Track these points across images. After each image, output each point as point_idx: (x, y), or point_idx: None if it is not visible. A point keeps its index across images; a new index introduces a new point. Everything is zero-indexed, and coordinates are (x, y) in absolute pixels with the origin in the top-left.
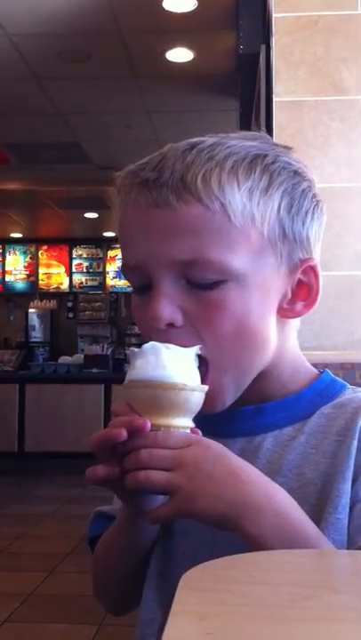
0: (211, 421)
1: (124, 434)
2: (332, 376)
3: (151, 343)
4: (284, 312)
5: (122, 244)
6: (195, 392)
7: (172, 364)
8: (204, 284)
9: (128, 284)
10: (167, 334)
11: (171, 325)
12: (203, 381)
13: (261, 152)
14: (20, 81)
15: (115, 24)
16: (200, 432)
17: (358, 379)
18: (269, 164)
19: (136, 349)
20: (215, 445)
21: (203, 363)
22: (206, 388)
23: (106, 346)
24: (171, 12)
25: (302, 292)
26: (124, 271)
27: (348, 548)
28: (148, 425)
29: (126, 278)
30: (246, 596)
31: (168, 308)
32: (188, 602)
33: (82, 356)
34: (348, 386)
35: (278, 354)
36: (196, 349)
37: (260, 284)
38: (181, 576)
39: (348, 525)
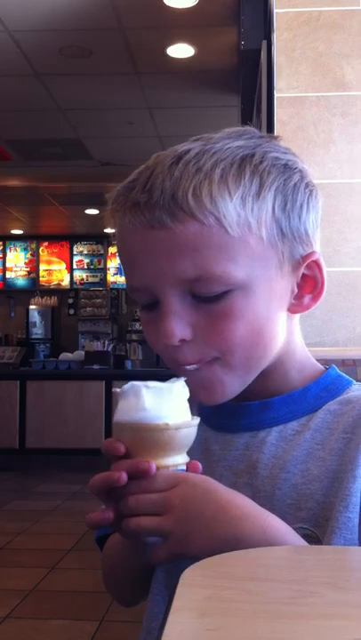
0: (217, 415)
1: (124, 477)
2: (339, 372)
3: (131, 383)
4: (294, 308)
5: (125, 266)
6: (180, 430)
7: (154, 404)
8: (211, 297)
9: None
10: (182, 349)
11: (183, 341)
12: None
13: (248, 152)
14: (22, 77)
15: (116, 20)
16: (200, 465)
17: (360, 375)
18: (258, 164)
19: (118, 389)
20: (202, 481)
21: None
22: (196, 421)
23: (107, 342)
24: (172, 8)
25: (308, 285)
26: (129, 291)
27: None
28: (154, 467)
29: (133, 297)
30: (247, 593)
31: (179, 326)
32: (189, 598)
33: (83, 352)
34: (355, 382)
35: (286, 349)
36: (181, 382)
37: (265, 286)
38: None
39: (360, 524)
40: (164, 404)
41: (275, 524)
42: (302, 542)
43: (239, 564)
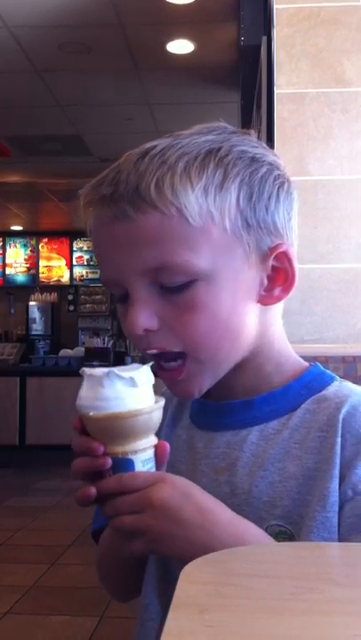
0: (201, 414)
1: (109, 462)
2: (322, 369)
3: (101, 370)
4: (263, 299)
5: (97, 259)
6: (153, 412)
7: (125, 391)
8: (175, 287)
9: None
10: (147, 339)
11: (148, 330)
12: (177, 372)
13: (215, 146)
14: (21, 73)
15: (115, 16)
16: (166, 444)
17: (360, 372)
18: (223, 157)
19: (88, 371)
20: (181, 482)
21: (180, 355)
22: (160, 404)
23: (107, 339)
24: (172, 4)
25: (279, 277)
26: (104, 285)
27: None
28: (109, 462)
29: (108, 289)
30: (247, 589)
31: (144, 315)
32: (189, 595)
33: (83, 348)
34: (338, 379)
35: (261, 342)
36: (145, 368)
37: (230, 277)
38: (178, 563)
39: (339, 525)
40: (136, 390)
41: (250, 529)
42: (277, 545)
43: (239, 561)
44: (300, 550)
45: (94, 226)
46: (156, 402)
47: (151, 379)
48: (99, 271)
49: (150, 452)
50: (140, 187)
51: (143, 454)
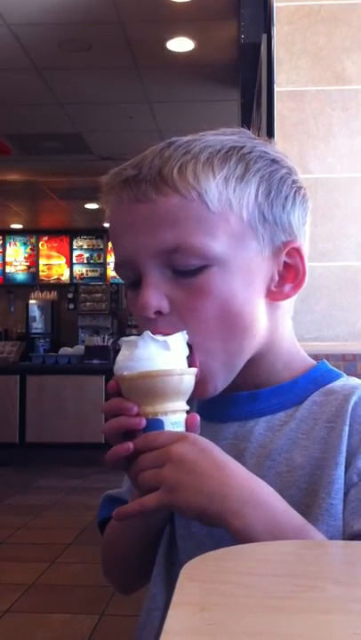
0: (207, 406)
1: (143, 422)
2: (330, 366)
3: (136, 336)
4: (273, 295)
5: (112, 243)
6: (184, 375)
7: (158, 353)
8: (188, 271)
9: None
10: (156, 322)
11: (159, 313)
12: (190, 367)
13: (238, 144)
14: (21, 71)
15: (115, 13)
16: (197, 416)
17: (359, 370)
18: (246, 153)
19: (126, 339)
20: (201, 441)
21: (189, 349)
22: (195, 370)
23: (107, 337)
24: (172, 2)
25: (290, 274)
26: (116, 269)
27: (343, 532)
28: (143, 422)
29: (119, 276)
30: (248, 588)
31: (155, 297)
32: (189, 593)
33: (83, 347)
34: (345, 375)
35: (271, 339)
36: (183, 334)
37: (243, 267)
38: (188, 553)
39: (344, 510)
40: (171, 353)
41: (263, 486)
42: (289, 508)
43: (239, 559)
44: (301, 548)
45: (114, 208)
46: (191, 369)
47: (185, 348)
48: (98, 269)
49: (180, 417)
50: (162, 170)
51: (173, 416)
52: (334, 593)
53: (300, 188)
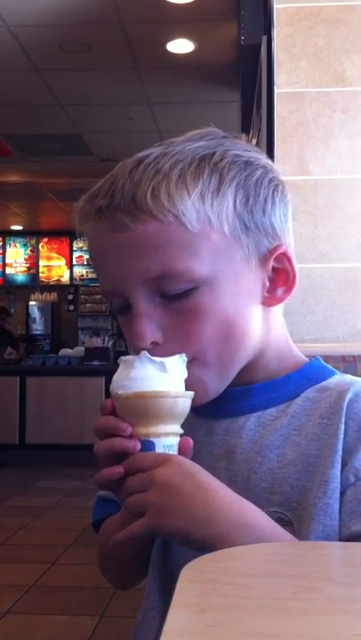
0: None
1: (138, 446)
2: (323, 363)
3: (129, 356)
4: (267, 300)
5: (95, 270)
6: (178, 398)
7: (154, 374)
8: (177, 295)
9: None
10: (155, 351)
11: (154, 344)
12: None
13: (208, 151)
14: (21, 72)
15: (115, 15)
16: (190, 440)
17: (360, 371)
18: (217, 162)
19: (124, 358)
20: (186, 464)
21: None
22: (191, 393)
23: (107, 338)
24: (172, 3)
25: (280, 277)
26: (104, 296)
27: (339, 533)
28: (138, 446)
29: (109, 301)
30: (247, 589)
31: (149, 328)
32: (189, 594)
33: (82, 348)
34: (338, 372)
35: (265, 342)
36: (181, 357)
37: (231, 280)
38: (181, 551)
39: (340, 510)
40: (168, 375)
41: (250, 508)
42: (276, 526)
43: (239, 560)
44: (301, 549)
45: (92, 238)
46: (188, 391)
47: (183, 370)
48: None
49: (173, 440)
50: (136, 196)
51: (166, 439)
52: (334, 594)
53: (277, 185)
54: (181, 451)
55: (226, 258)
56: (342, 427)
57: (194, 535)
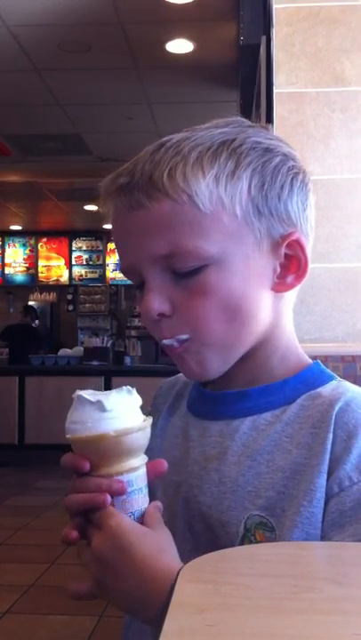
0: (198, 403)
1: (108, 499)
2: (322, 367)
3: (83, 392)
4: (277, 286)
5: (116, 248)
6: (121, 437)
7: (91, 415)
8: (187, 272)
9: None
10: (159, 324)
11: (162, 315)
12: (181, 357)
13: (229, 137)
14: (21, 72)
15: (115, 15)
16: (164, 462)
17: (359, 371)
18: (236, 147)
19: (75, 394)
20: (124, 534)
21: (180, 343)
22: (147, 422)
23: (106, 338)
24: (171, 3)
25: (292, 265)
26: (122, 273)
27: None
28: (109, 499)
29: (127, 278)
30: (247, 588)
31: (157, 301)
32: (188, 594)
33: (82, 348)
34: (337, 378)
35: (271, 330)
36: (127, 389)
37: (241, 262)
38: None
39: (323, 520)
40: (93, 415)
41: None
42: None
43: (239, 560)
44: (299, 549)
45: (113, 216)
46: (144, 420)
47: (132, 403)
48: (97, 271)
49: (132, 475)
50: (153, 175)
51: (127, 476)
52: (333, 594)
53: (297, 173)
54: (155, 475)
55: (236, 240)
56: (330, 436)
57: (131, 613)
